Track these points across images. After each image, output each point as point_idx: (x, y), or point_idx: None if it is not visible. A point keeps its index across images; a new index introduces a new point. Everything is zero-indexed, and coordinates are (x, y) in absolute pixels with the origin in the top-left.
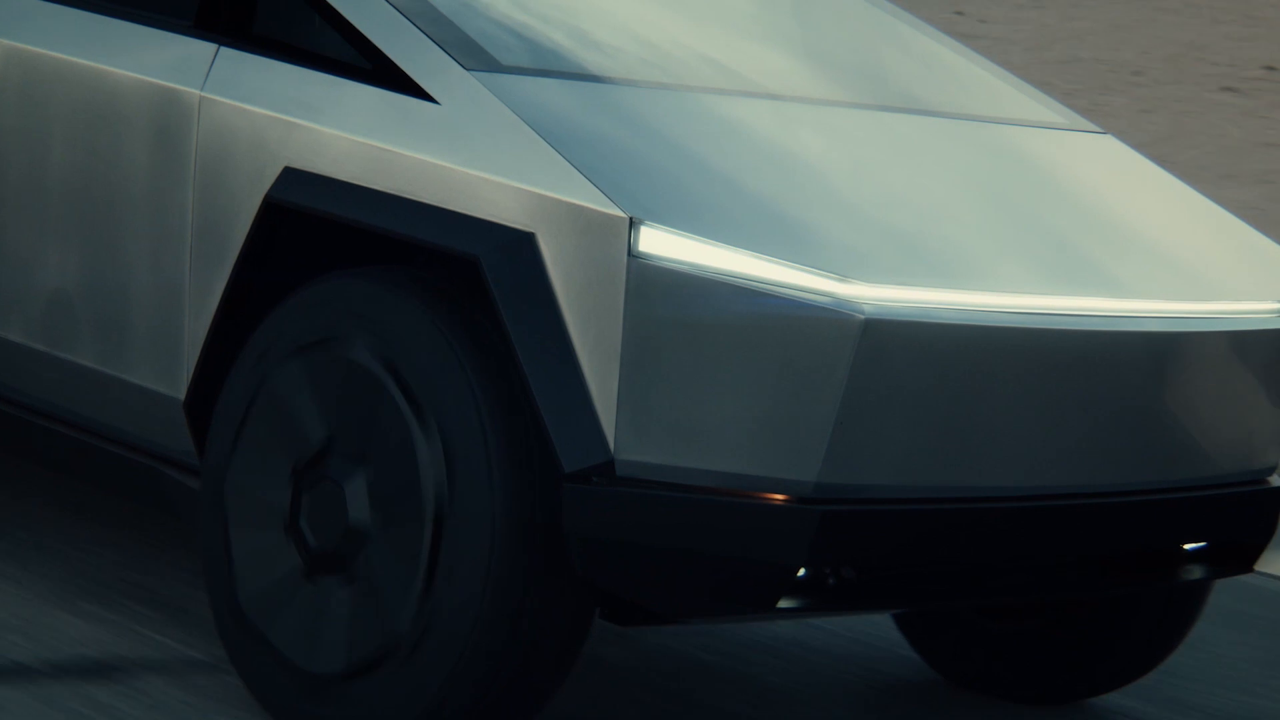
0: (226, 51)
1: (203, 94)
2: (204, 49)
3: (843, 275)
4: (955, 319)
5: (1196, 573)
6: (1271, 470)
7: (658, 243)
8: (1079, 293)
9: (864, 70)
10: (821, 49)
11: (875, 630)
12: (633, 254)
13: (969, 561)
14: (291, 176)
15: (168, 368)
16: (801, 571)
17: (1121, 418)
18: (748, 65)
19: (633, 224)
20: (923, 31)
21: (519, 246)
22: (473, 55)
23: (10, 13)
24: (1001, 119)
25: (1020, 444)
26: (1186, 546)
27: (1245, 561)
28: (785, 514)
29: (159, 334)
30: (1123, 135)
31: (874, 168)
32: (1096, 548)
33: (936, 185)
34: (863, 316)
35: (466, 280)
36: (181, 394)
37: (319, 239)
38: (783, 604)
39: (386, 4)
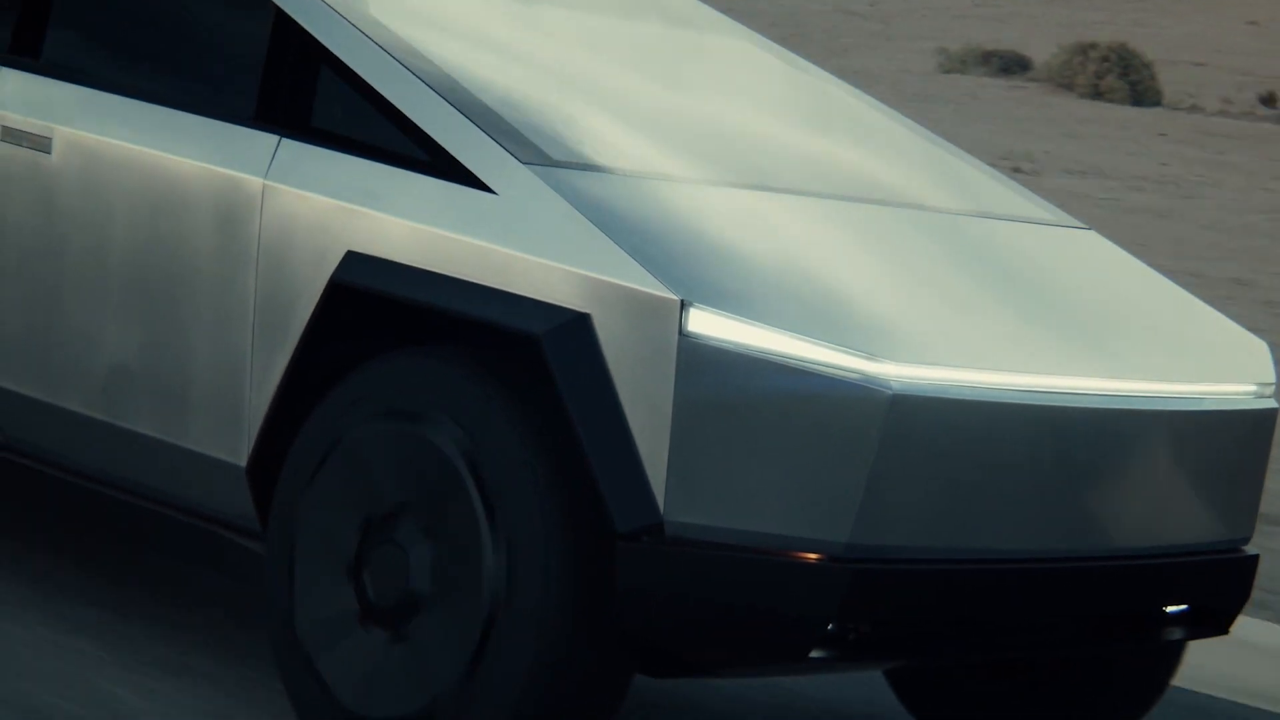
0: (288, 143)
1: (266, 182)
2: (266, 140)
3: (872, 355)
4: (973, 396)
5: (1177, 633)
6: (1246, 539)
7: (705, 323)
8: (1082, 374)
9: (885, 171)
10: (845, 151)
11: (870, 691)
12: (683, 333)
13: (979, 618)
14: (355, 260)
15: (230, 436)
16: (831, 625)
17: (1115, 487)
18: (781, 163)
19: (683, 306)
20: (930, 140)
21: (576, 326)
22: (526, 149)
23: (75, 103)
24: (1003, 216)
25: (1028, 510)
26: (1168, 609)
27: (1221, 624)
28: (818, 571)
29: (222, 405)
30: None
31: (897, 258)
32: (1092, 607)
33: (952, 275)
34: (890, 393)
35: (524, 357)
36: (244, 461)
37: (372, 319)
38: (814, 654)
39: (443, 100)
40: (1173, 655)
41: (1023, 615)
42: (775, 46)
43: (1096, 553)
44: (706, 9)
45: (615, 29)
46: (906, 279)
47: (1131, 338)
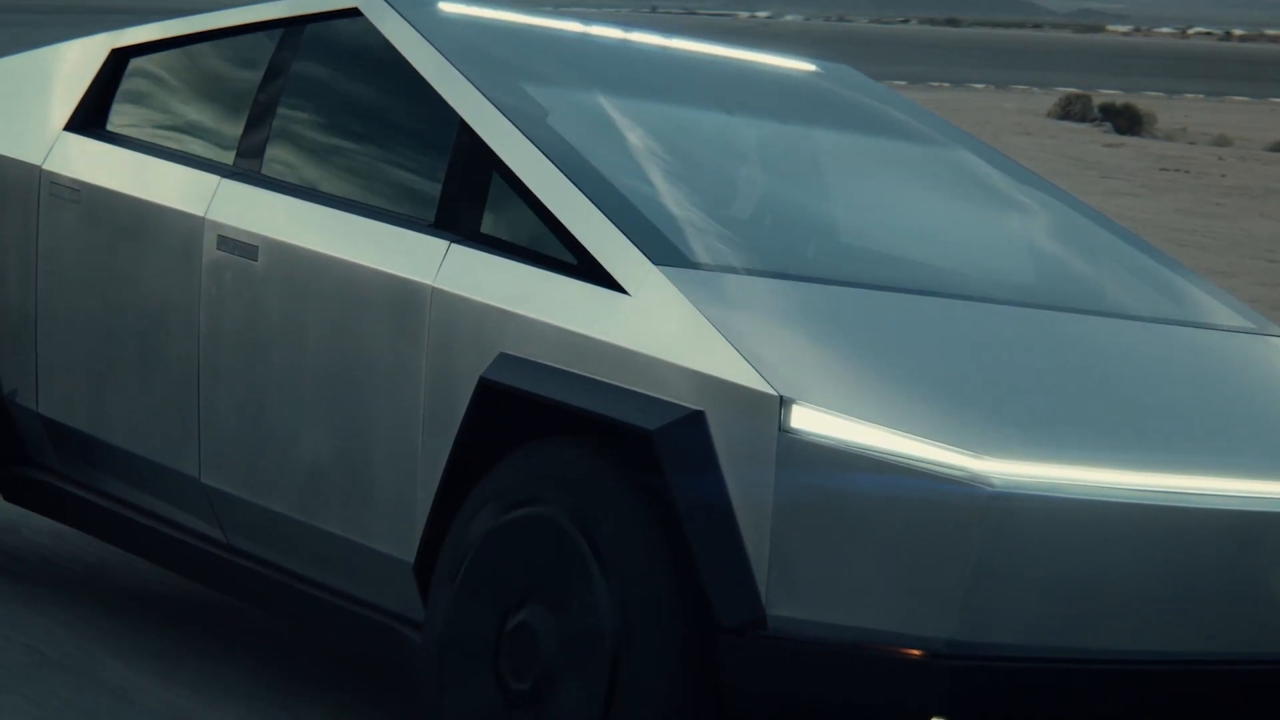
0: (456, 247)
1: (434, 285)
2: (438, 245)
3: (975, 452)
4: (1079, 495)
5: None
6: None
7: (806, 419)
8: (1202, 474)
9: (1020, 266)
10: (995, 246)
11: None
12: (783, 429)
13: (1086, 718)
14: (503, 360)
15: (402, 534)
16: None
17: (1223, 591)
18: (901, 259)
19: (783, 402)
20: (1116, 233)
21: (688, 423)
22: (663, 250)
23: (277, 211)
24: (1160, 318)
25: (1132, 611)
26: None
27: None
28: (920, 667)
29: (396, 503)
30: None
31: (1014, 359)
32: (1209, 711)
33: (1077, 377)
34: (991, 490)
35: (643, 450)
36: (412, 558)
37: (521, 418)
38: None
39: (592, 205)
40: None
41: (1134, 717)
42: (961, 135)
43: (1202, 656)
44: (898, 105)
45: (778, 128)
46: (1020, 379)
47: (1269, 441)
